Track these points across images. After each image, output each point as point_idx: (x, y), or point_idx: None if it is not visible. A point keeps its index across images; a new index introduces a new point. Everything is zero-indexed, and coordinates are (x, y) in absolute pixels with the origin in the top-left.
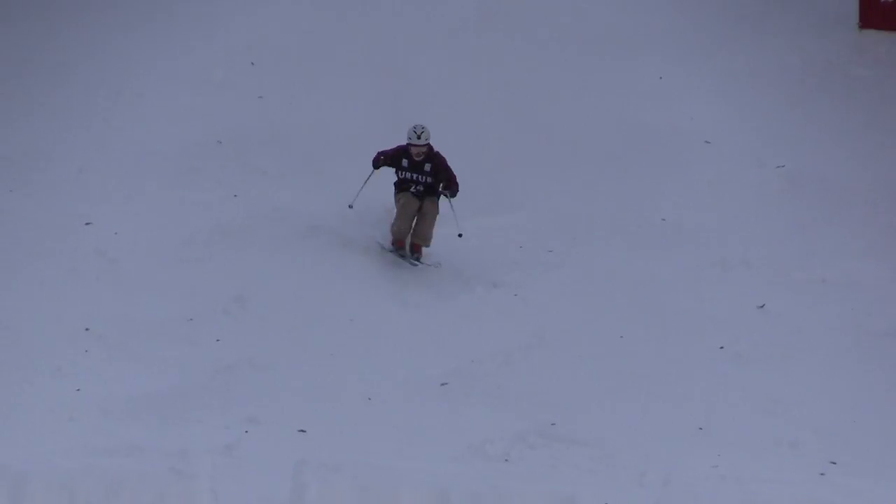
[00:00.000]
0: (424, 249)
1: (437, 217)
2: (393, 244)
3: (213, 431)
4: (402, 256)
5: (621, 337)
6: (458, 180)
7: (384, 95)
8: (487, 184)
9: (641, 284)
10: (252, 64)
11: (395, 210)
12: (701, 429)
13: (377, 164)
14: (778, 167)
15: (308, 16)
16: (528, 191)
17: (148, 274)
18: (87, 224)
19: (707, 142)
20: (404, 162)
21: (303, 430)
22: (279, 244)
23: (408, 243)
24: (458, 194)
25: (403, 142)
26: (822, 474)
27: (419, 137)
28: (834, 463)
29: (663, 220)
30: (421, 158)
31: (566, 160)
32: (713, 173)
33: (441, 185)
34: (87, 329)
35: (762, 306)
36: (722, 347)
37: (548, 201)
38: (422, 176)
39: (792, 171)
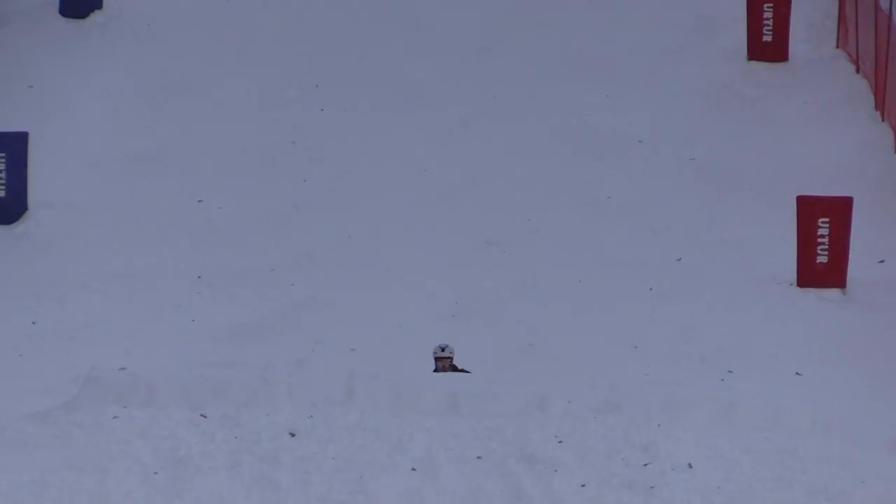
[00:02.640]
0: None
1: None
2: None
3: (289, 350)
4: None
5: (579, 281)
6: None
7: None
8: None
9: (595, 252)
10: None
11: None
12: (636, 347)
13: None
14: (690, 159)
15: None
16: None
17: (242, 236)
18: (199, 202)
19: (640, 141)
20: None
21: (353, 350)
22: (345, 210)
23: None
24: None
25: None
26: (722, 380)
27: (443, 351)
28: (730, 371)
29: (609, 197)
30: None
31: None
32: (644, 164)
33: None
34: (199, 277)
35: (679, 259)
36: (651, 288)
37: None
38: None
39: (700, 163)
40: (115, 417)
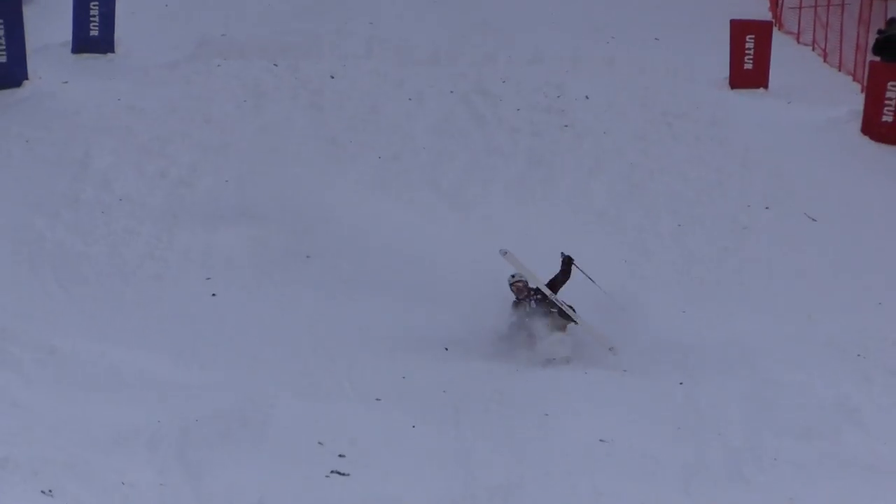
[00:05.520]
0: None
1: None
2: None
3: (330, 23)
4: None
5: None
6: None
7: None
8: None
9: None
10: None
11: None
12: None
13: None
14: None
15: None
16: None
17: None
18: None
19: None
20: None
21: (371, 23)
22: None
23: None
24: None
25: None
26: (607, 42)
27: (513, 277)
28: (613, 37)
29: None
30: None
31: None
32: None
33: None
34: None
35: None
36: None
37: None
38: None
39: None
40: (218, 65)
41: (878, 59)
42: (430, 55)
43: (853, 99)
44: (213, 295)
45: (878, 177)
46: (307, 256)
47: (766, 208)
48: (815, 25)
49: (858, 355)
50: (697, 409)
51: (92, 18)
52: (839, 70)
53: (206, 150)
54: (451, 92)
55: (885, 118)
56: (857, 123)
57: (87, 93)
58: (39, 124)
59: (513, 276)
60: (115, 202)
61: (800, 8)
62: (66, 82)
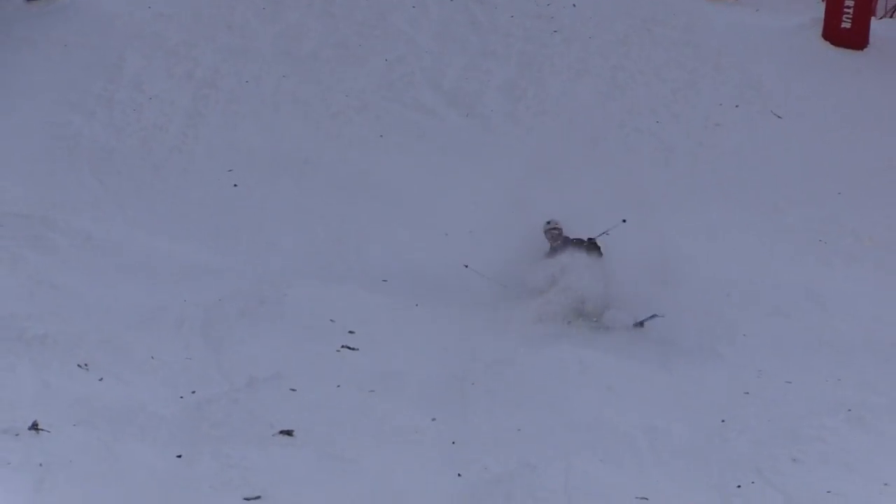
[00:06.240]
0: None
1: None
2: None
3: None
4: None
5: None
6: None
7: None
8: None
9: None
10: None
11: None
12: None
13: None
14: None
15: None
16: None
17: None
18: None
19: None
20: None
21: None
22: None
23: None
24: None
25: None
26: None
27: (548, 224)
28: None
29: None
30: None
31: None
32: None
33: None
34: None
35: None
36: None
37: None
38: None
39: None
40: None
41: None
42: None
43: (815, 7)
44: (235, 185)
45: (837, 78)
46: (320, 153)
47: (736, 107)
48: None
49: (820, 241)
50: (675, 293)
51: None
52: None
53: (228, 53)
54: (451, 0)
55: (843, 25)
56: (819, 30)
57: (121, 1)
58: (77, 30)
59: (548, 223)
60: (145, 101)
61: None
62: None
